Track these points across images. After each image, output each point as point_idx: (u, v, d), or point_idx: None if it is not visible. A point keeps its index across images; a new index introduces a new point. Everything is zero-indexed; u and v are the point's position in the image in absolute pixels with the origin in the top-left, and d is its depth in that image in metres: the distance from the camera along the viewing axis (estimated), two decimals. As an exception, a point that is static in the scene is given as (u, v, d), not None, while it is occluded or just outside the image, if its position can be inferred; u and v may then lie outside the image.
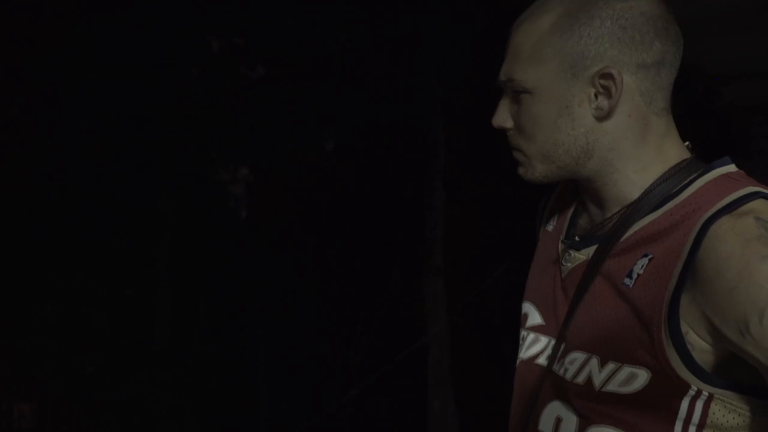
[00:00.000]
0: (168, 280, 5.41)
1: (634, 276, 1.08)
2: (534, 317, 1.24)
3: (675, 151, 1.15)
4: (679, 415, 1.07)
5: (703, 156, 1.19)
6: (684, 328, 1.05)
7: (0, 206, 5.00)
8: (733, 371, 1.06)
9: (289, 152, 5.54)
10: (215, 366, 5.43)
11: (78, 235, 5.15)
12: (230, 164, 5.50)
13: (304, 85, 5.34)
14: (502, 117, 1.17)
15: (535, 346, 1.21)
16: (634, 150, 1.14)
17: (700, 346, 1.05)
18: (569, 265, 1.18)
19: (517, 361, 1.24)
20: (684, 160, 1.14)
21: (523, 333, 1.24)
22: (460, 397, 5.16)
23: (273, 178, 5.61)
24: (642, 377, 1.07)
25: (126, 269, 5.33)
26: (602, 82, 1.11)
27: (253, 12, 5.15)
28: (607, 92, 1.11)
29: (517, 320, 1.24)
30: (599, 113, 1.12)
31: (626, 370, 1.08)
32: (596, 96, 1.12)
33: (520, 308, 1.29)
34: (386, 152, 5.49)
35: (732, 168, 1.12)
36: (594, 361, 1.10)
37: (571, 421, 1.13)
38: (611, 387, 1.08)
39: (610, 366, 1.09)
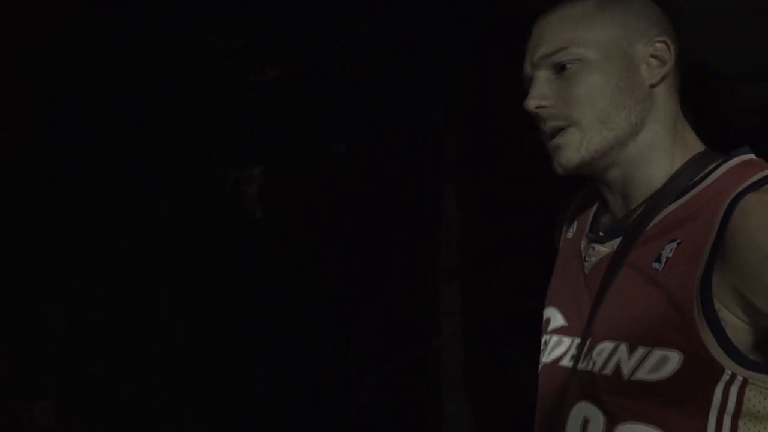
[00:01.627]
0: (168, 280, 5.41)
1: (663, 260, 1.08)
2: (556, 320, 1.22)
3: (694, 141, 1.19)
4: (713, 404, 1.04)
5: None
6: (717, 305, 1.04)
7: (0, 206, 5.00)
8: None
9: (289, 152, 5.54)
10: (215, 366, 5.43)
11: (78, 235, 5.14)
12: (231, 164, 5.50)
13: (304, 85, 5.34)
14: (542, 94, 1.16)
15: (558, 349, 1.20)
16: (671, 131, 1.17)
17: (733, 323, 1.04)
18: (593, 260, 1.18)
19: (540, 366, 1.23)
20: (701, 151, 1.18)
21: (546, 337, 1.23)
22: (473, 397, 5.17)
23: (273, 178, 5.61)
24: (673, 361, 1.04)
25: (126, 269, 5.33)
26: (659, 45, 1.15)
27: (252, 12, 5.15)
28: (661, 60, 1.15)
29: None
30: (653, 79, 1.15)
31: (657, 354, 1.05)
32: (649, 63, 1.15)
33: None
34: (385, 152, 5.49)
35: (752, 156, 1.15)
36: (623, 348, 1.08)
37: (598, 420, 1.11)
38: (641, 374, 1.06)
39: (640, 351, 1.07)
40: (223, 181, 5.46)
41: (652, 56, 1.15)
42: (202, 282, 5.57)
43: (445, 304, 5.19)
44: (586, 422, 1.12)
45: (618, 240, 1.15)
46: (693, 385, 1.04)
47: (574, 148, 1.14)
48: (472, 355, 5.24)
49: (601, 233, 1.19)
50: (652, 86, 1.15)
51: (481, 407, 5.25)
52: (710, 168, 1.13)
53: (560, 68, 1.15)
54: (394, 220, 5.49)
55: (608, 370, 1.09)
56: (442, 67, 5.20)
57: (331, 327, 5.66)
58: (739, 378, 1.04)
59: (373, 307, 5.59)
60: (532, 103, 1.16)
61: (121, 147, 5.17)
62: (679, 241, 1.07)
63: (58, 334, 5.02)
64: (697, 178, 1.12)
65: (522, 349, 5.45)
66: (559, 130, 1.16)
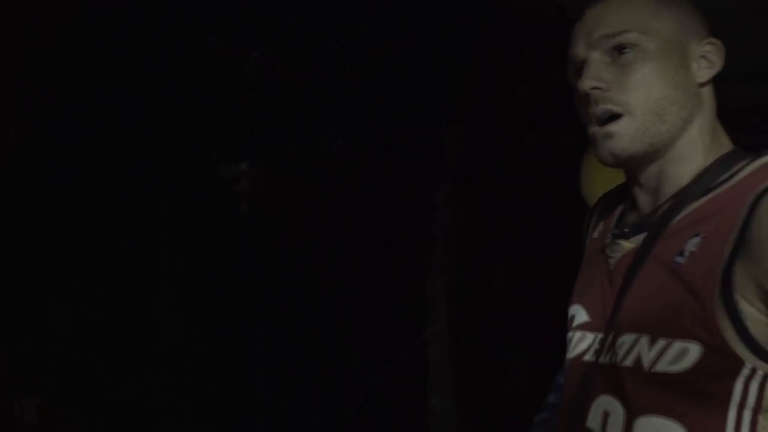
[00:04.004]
0: (168, 280, 5.41)
1: (687, 254, 1.08)
2: (581, 316, 1.23)
3: (727, 142, 1.19)
4: (732, 399, 1.04)
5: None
6: (737, 297, 1.03)
7: (0, 206, 5.00)
8: None
9: (289, 152, 5.55)
10: (215, 366, 5.43)
11: (78, 235, 5.15)
12: (230, 164, 5.50)
13: (304, 85, 5.34)
14: (598, 75, 1.15)
15: (581, 344, 1.21)
16: (711, 130, 1.18)
17: (753, 316, 1.03)
18: (617, 255, 1.18)
19: (566, 363, 1.23)
20: (730, 150, 1.18)
21: (570, 334, 1.24)
22: (460, 396, 5.16)
23: (273, 178, 5.61)
24: (693, 352, 1.04)
25: (126, 269, 5.33)
26: (709, 47, 1.16)
27: (253, 12, 5.16)
28: (710, 61, 1.17)
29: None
30: (702, 78, 1.16)
31: (677, 346, 1.05)
32: (700, 62, 1.16)
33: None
34: (385, 152, 5.50)
35: None
36: (644, 341, 1.09)
37: (618, 414, 1.11)
38: (661, 366, 1.06)
39: (661, 343, 1.07)
40: (223, 182, 5.47)
41: (702, 56, 1.16)
42: (202, 282, 5.57)
43: (444, 304, 5.19)
44: (606, 415, 1.12)
45: (642, 235, 1.15)
46: (713, 379, 1.04)
47: (627, 138, 1.14)
48: (471, 353, 5.24)
49: (626, 229, 1.19)
50: (701, 85, 1.16)
51: (480, 406, 5.25)
52: (738, 166, 1.13)
53: (617, 52, 1.14)
54: (393, 220, 5.50)
55: (629, 362, 1.09)
56: (442, 66, 5.20)
57: (331, 327, 5.67)
58: (760, 373, 1.03)
59: (373, 307, 5.60)
60: (587, 83, 1.14)
61: (121, 147, 5.17)
62: (703, 235, 1.07)
63: (58, 334, 5.02)
64: (724, 177, 1.12)
65: (521, 348, 5.47)
66: (611, 116, 1.14)
